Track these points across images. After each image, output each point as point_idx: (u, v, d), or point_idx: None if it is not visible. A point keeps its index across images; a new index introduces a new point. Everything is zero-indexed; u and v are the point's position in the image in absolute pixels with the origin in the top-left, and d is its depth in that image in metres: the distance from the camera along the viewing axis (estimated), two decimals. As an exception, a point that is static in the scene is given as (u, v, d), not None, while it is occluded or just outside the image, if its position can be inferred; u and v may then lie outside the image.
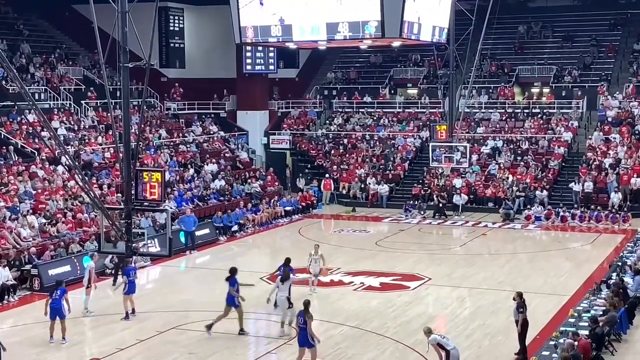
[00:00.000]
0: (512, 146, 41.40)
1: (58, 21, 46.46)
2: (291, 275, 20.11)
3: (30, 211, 27.60)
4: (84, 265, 22.12)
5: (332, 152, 43.82)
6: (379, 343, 18.43)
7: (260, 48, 43.94)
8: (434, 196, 37.77)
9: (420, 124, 44.55)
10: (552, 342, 17.05)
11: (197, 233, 30.19)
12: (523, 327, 16.92)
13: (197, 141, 41.78)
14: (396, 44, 41.09)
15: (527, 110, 44.02)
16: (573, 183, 36.97)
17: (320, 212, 38.80)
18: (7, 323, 20.85)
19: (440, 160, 34.63)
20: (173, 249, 19.89)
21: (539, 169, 38.95)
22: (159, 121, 42.17)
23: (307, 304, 16.39)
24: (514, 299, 17.29)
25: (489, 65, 46.84)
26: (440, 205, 37.06)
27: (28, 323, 20.36)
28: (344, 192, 40.79)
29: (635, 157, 37.40)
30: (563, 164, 39.58)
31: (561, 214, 34.76)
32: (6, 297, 22.61)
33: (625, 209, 34.89)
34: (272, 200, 36.53)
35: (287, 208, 36.62)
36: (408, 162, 42.14)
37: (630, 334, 18.54)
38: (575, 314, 19.24)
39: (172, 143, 40.03)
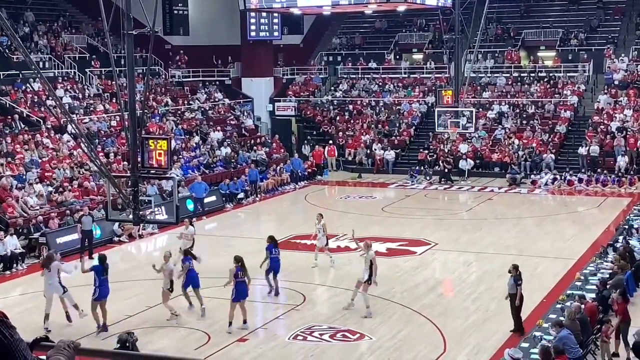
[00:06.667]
0: (518, 110, 41.26)
1: (61, -11, 46.25)
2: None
3: (37, 180, 27.66)
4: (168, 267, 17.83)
5: (338, 118, 43.72)
6: (386, 308, 18.52)
7: (264, 14, 43.69)
8: (440, 162, 37.75)
9: (426, 89, 44.39)
10: (559, 306, 17.13)
11: (204, 200, 30.31)
12: (520, 300, 16.62)
13: (202, 109, 41.71)
14: (401, 8, 41.16)
15: (533, 74, 43.80)
16: (580, 147, 36.89)
17: (326, 178, 38.82)
18: (16, 291, 21.03)
19: (446, 126, 34.51)
20: (180, 216, 19.94)
21: (546, 133, 38.84)
22: (164, 89, 42.10)
23: (240, 259, 17.37)
24: (509, 272, 16.83)
25: (495, 29, 46.52)
26: (446, 170, 37.03)
27: (37, 291, 20.47)
28: (350, 158, 40.78)
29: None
30: (569, 128, 39.44)
31: (568, 177, 34.74)
32: (15, 265, 22.77)
33: (631, 172, 34.83)
34: (278, 167, 36.56)
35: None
36: (414, 127, 42.06)
37: (637, 296, 18.59)
38: (582, 278, 19.32)
39: (177, 111, 39.99)
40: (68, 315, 17.54)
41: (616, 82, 40.96)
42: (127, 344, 14.05)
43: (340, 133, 42.02)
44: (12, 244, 22.96)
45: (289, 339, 16.70)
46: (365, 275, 17.86)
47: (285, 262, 21.03)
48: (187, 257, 18.62)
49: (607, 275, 18.53)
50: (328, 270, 21.85)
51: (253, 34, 44.82)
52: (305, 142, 42.22)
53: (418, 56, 48.02)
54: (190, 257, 18.65)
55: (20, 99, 33.68)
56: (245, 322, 17.16)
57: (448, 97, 34.61)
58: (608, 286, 17.19)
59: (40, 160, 29.28)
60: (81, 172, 29.45)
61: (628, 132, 36.95)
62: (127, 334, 14.70)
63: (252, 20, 44.41)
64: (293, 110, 45.10)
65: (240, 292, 17.09)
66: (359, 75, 47.14)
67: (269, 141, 41.41)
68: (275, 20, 45.37)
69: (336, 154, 40.54)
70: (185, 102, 41.64)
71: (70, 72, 38.16)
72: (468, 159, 37.67)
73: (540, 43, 45.77)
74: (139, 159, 16.83)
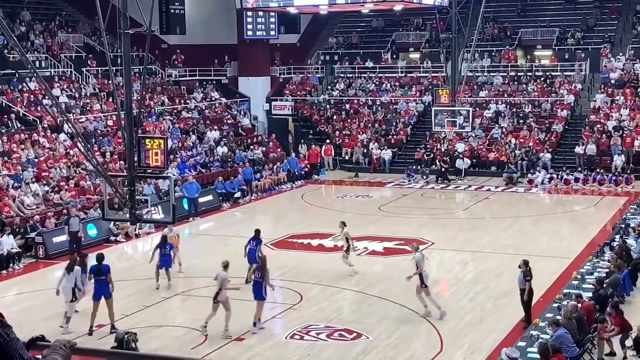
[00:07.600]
0: (514, 109, 41.28)
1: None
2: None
3: (34, 179, 27.63)
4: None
5: (334, 117, 43.71)
6: (383, 307, 18.51)
7: (261, 13, 43.66)
8: (437, 161, 37.74)
9: (423, 88, 44.39)
10: (555, 304, 17.12)
11: (200, 200, 30.26)
12: (530, 295, 16.92)
13: (198, 108, 41.68)
14: (398, 7, 41.17)
15: (529, 73, 43.82)
16: (576, 146, 36.92)
17: (323, 178, 38.80)
18: (13, 291, 21.01)
19: (443, 125, 34.52)
20: (176, 216, 19.94)
21: (542, 132, 38.85)
22: (161, 88, 42.05)
23: (263, 259, 17.60)
24: (519, 267, 17.24)
25: (492, 28, 46.54)
26: (443, 169, 37.02)
27: (33, 290, 20.47)
28: (347, 157, 40.76)
29: (638, 119, 37.31)
30: (566, 127, 39.47)
31: (564, 177, 34.76)
32: (11, 265, 22.74)
33: (628, 171, 34.86)
34: (275, 167, 36.53)
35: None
36: (410, 127, 42.06)
37: (634, 295, 18.62)
38: (579, 277, 19.32)
39: (173, 110, 39.96)
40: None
41: (613, 81, 41.00)
42: (124, 343, 14.04)
43: (337, 132, 42.01)
44: (9, 243, 22.93)
45: (285, 338, 16.69)
46: (417, 280, 17.73)
47: (282, 261, 21.08)
48: (164, 245, 19.82)
49: (604, 274, 18.52)
50: (325, 270, 21.83)
51: (250, 33, 44.81)
52: (302, 141, 42.20)
53: (415, 55, 48.03)
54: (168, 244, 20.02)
55: (17, 98, 33.63)
56: (255, 324, 17.04)
57: (445, 96, 34.63)
58: (605, 285, 17.20)
59: (36, 160, 29.24)
60: (78, 172, 29.42)
61: (625, 131, 36.98)
62: (125, 333, 14.70)
63: (249, 20, 44.41)
64: (290, 109, 45.08)
65: (254, 291, 17.23)
66: (356, 75, 47.11)
67: (266, 140, 41.40)
68: (272, 20, 45.32)
69: (333, 153, 40.54)
70: (182, 101, 41.62)
71: (67, 71, 38.10)
72: (465, 158, 37.67)
73: (537, 42, 45.79)
74: (136, 159, 16.81)
